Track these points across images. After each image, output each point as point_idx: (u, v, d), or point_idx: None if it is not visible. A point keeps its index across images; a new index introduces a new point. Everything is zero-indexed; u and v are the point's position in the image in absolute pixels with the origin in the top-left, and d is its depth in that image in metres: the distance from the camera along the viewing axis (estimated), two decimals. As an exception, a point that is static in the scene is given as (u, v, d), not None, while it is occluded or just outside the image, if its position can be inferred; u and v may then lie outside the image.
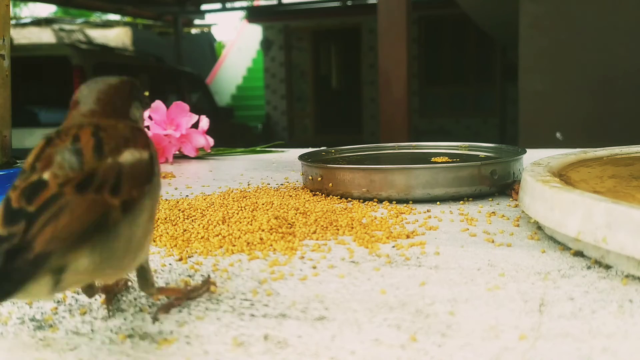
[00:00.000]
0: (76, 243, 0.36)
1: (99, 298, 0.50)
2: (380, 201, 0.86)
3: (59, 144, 0.39)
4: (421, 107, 10.31)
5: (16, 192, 0.37)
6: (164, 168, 1.33)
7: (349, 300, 0.48)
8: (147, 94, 0.51)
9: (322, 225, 0.71)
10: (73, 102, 0.44)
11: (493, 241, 0.64)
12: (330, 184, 0.90)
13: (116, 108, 0.45)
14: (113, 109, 0.44)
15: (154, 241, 0.67)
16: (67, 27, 10.95)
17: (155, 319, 0.45)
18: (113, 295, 0.50)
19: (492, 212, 0.77)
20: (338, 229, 0.70)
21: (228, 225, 0.71)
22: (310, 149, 1.17)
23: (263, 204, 0.82)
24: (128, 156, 0.40)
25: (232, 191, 0.98)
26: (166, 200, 0.90)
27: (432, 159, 1.04)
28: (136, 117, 0.47)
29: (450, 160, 1.00)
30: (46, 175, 0.37)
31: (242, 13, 12.94)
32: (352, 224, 0.71)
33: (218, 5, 11.52)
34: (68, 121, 0.43)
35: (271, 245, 0.64)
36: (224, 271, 0.56)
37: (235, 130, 9.02)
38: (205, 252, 0.62)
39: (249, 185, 1.07)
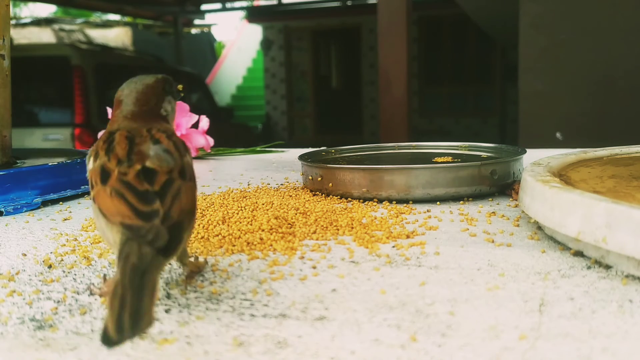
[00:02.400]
0: (190, 216, 0.47)
1: (99, 298, 0.50)
2: (380, 201, 0.86)
3: (141, 144, 0.48)
4: (421, 107, 10.31)
5: (131, 177, 0.45)
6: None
7: (349, 300, 0.48)
8: (180, 87, 0.60)
9: (322, 225, 0.71)
10: (116, 102, 0.54)
11: (493, 241, 0.64)
12: (330, 184, 0.90)
13: (151, 107, 0.54)
14: (149, 108, 0.54)
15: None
16: (67, 27, 10.95)
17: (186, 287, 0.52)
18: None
19: (492, 212, 0.77)
20: (338, 229, 0.70)
21: (228, 225, 0.71)
22: (310, 149, 1.17)
23: (263, 204, 0.82)
24: (189, 158, 0.51)
25: (232, 191, 0.98)
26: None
27: (435, 158, 1.04)
28: (168, 110, 0.56)
29: (453, 160, 1.00)
30: (150, 165, 0.46)
31: (242, 13, 12.94)
32: (352, 224, 0.71)
33: (218, 5, 11.52)
34: (116, 122, 0.52)
35: (271, 245, 0.64)
36: (224, 271, 0.56)
37: (235, 130, 9.01)
38: (205, 252, 0.62)
39: (249, 185, 1.07)
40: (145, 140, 0.49)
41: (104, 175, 0.46)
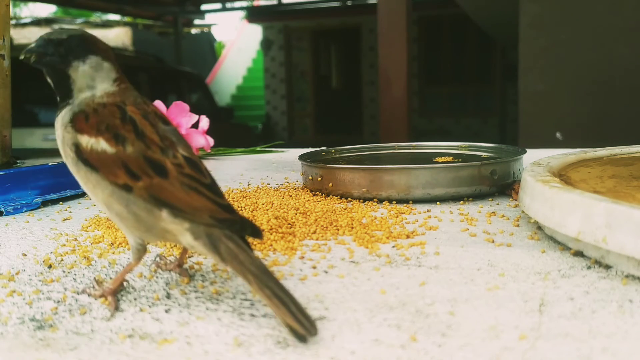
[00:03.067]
0: None
1: (99, 299, 0.50)
2: (380, 201, 0.86)
3: (157, 124, 0.48)
4: (421, 107, 10.31)
5: (190, 171, 0.46)
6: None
7: (349, 300, 0.48)
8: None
9: (322, 225, 0.71)
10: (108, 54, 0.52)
11: (493, 241, 0.63)
12: (330, 184, 0.89)
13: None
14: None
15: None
16: (67, 27, 10.95)
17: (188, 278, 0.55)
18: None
19: (492, 212, 0.77)
20: (338, 229, 0.70)
21: (228, 225, 0.71)
22: (310, 149, 1.17)
23: (263, 204, 0.82)
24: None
25: (232, 191, 0.98)
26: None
27: (436, 158, 1.04)
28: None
29: (454, 160, 1.00)
30: (185, 153, 0.48)
31: (242, 13, 12.94)
32: (352, 224, 0.71)
33: (218, 5, 11.52)
34: (121, 91, 0.51)
35: (271, 245, 0.64)
36: (224, 271, 0.56)
37: (235, 130, 9.01)
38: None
39: (249, 185, 1.07)
40: (155, 119, 0.49)
41: (157, 167, 0.46)
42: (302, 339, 0.40)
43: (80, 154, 0.47)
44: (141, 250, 0.50)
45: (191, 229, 0.45)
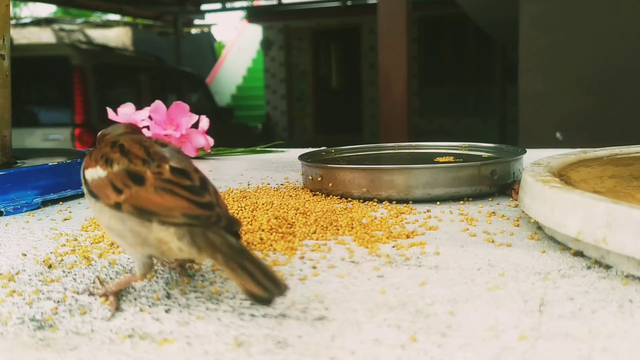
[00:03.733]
0: None
1: (99, 299, 0.50)
2: (380, 201, 0.86)
3: (152, 146, 0.50)
4: (421, 107, 10.31)
5: (169, 175, 0.47)
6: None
7: (349, 300, 0.48)
8: None
9: (322, 225, 0.71)
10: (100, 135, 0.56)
11: (493, 241, 0.63)
12: (330, 184, 0.89)
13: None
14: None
15: (154, 241, 0.67)
16: (67, 27, 10.95)
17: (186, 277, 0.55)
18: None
19: (492, 212, 0.77)
20: (338, 229, 0.70)
21: (228, 225, 0.71)
22: (310, 149, 1.17)
23: (263, 204, 0.82)
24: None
25: (232, 191, 0.98)
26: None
27: (437, 158, 1.04)
28: None
29: (455, 160, 1.00)
30: (175, 165, 0.48)
31: (242, 13, 12.94)
32: (352, 224, 0.71)
33: (218, 5, 11.52)
34: (113, 136, 0.54)
35: (271, 245, 0.64)
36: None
37: (235, 130, 9.01)
38: (205, 252, 0.62)
39: (249, 185, 1.07)
40: (152, 144, 0.50)
41: (135, 177, 0.47)
42: (264, 302, 0.39)
43: (88, 186, 0.51)
44: (147, 266, 0.50)
45: (176, 232, 0.45)
